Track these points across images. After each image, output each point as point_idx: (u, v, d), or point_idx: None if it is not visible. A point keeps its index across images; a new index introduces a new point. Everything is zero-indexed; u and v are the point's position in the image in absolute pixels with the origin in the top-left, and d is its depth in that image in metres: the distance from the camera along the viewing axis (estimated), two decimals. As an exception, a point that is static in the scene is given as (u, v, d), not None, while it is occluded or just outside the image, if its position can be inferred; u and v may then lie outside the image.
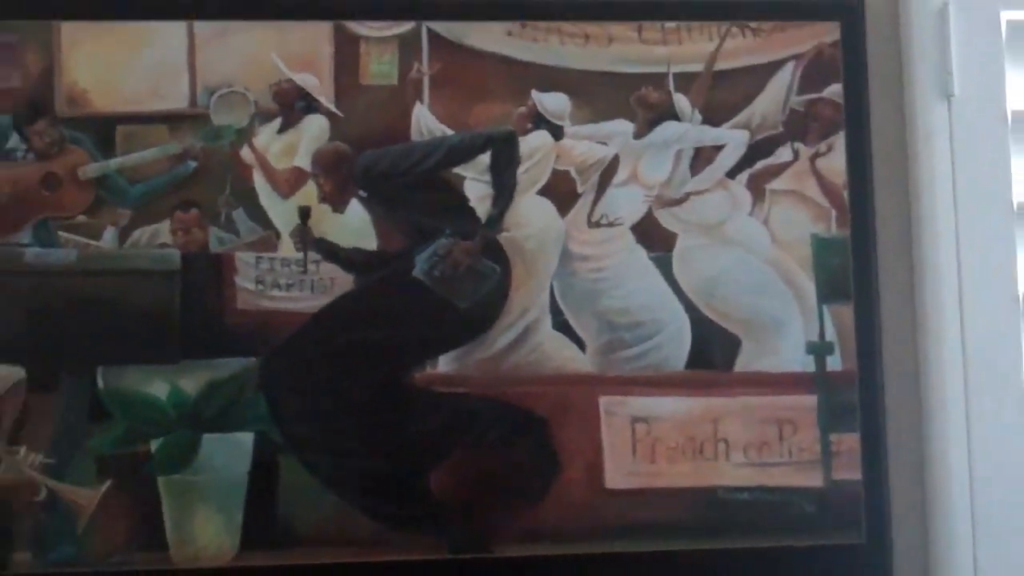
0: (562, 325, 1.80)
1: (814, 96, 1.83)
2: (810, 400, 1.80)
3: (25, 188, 1.75)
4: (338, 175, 1.78)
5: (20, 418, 1.72)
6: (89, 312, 1.73)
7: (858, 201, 1.82)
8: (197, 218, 1.77)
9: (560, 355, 1.79)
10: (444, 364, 1.78)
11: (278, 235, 1.78)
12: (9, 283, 1.72)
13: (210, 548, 1.73)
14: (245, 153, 1.79)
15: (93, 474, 1.72)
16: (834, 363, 1.81)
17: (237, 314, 1.76)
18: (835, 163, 1.83)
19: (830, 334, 1.81)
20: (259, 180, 1.79)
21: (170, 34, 1.77)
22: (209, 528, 1.73)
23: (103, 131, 1.77)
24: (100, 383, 1.73)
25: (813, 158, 1.83)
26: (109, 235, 1.76)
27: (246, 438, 1.74)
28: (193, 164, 1.77)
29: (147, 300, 1.74)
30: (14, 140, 1.75)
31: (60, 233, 1.75)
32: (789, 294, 1.82)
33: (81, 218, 1.76)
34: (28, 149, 1.75)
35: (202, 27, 1.77)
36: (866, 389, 1.80)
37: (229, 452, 1.74)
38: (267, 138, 1.79)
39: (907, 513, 1.79)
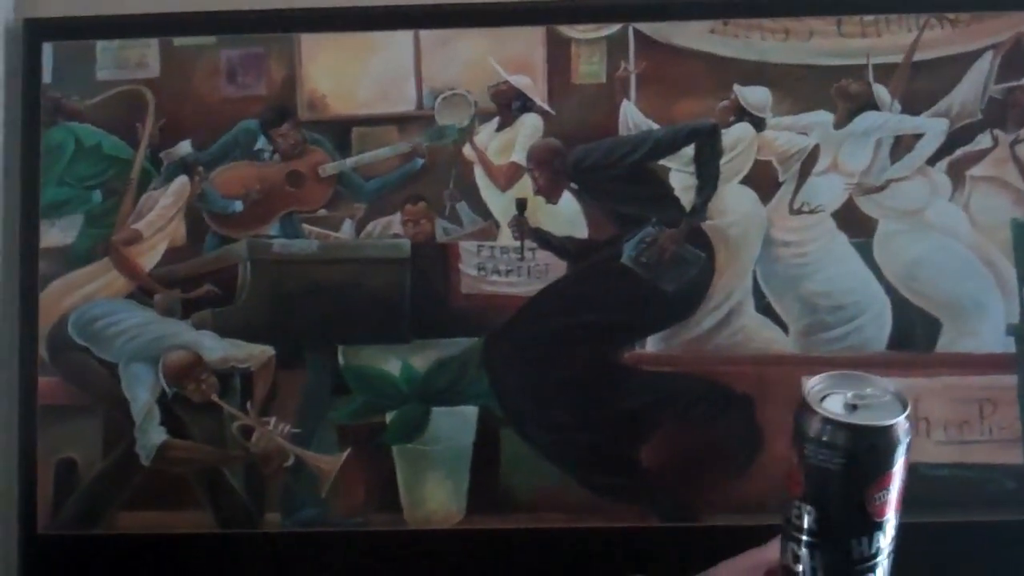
0: (765, 308, 1.94)
1: (1013, 84, 1.93)
2: (1010, 380, 1.89)
3: (272, 185, 2.03)
4: (551, 169, 1.96)
5: (270, 393, 1.98)
6: (330, 297, 1.97)
7: None
8: (425, 211, 1.98)
9: (763, 336, 1.93)
10: (652, 344, 1.94)
11: (497, 225, 1.97)
12: (260, 271, 1.99)
13: (439, 511, 1.94)
14: (467, 150, 1.99)
15: (335, 443, 1.96)
16: None
17: (461, 298, 1.96)
18: None
19: None
20: (480, 175, 1.99)
21: (398, 43, 2.00)
22: (438, 493, 1.94)
23: (340, 133, 2.01)
24: (341, 360, 1.96)
25: (1012, 144, 1.93)
26: (347, 227, 1.99)
27: (471, 411, 1.94)
28: (421, 161, 1.99)
29: (381, 285, 1.96)
30: (261, 142, 2.03)
31: (304, 226, 2.01)
32: (989, 277, 1.92)
33: (322, 212, 2.00)
34: (274, 151, 2.03)
35: (427, 36, 1.99)
36: None
37: (455, 424, 1.94)
38: (486, 136, 1.99)
39: None
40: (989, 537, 1.88)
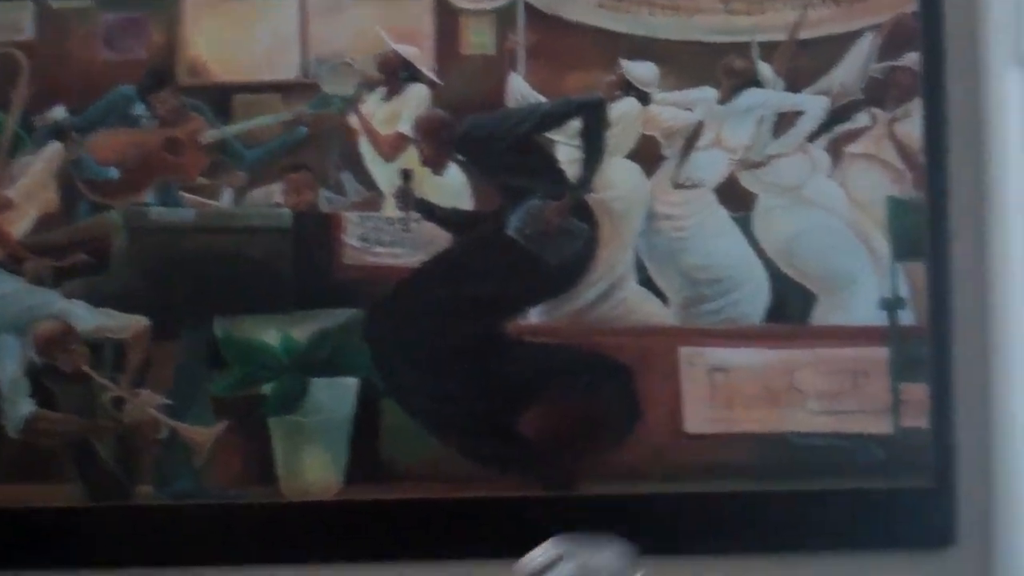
0: (646, 281, 2.00)
1: (892, 64, 2.00)
2: (882, 352, 1.97)
3: (149, 152, 2.00)
4: (438, 140, 1.99)
5: (144, 364, 1.98)
6: (208, 267, 1.98)
7: (933, 164, 1.98)
8: (307, 180, 2.00)
9: (644, 308, 1.99)
10: (535, 316, 2.00)
11: (382, 196, 2.00)
12: (135, 240, 1.97)
13: (317, 483, 1.97)
14: (352, 120, 2.02)
15: (211, 415, 1.97)
16: (906, 318, 1.98)
17: (344, 269, 1.99)
18: (911, 128, 1.99)
19: (903, 290, 1.98)
20: (365, 145, 2.02)
21: (284, 9, 2.00)
22: (316, 465, 1.97)
23: (221, 100, 2.01)
24: (218, 332, 1.98)
25: (890, 123, 2.00)
26: (227, 196, 2.01)
27: (351, 383, 1.97)
28: (304, 130, 2.00)
29: (261, 256, 1.98)
30: (139, 108, 2.00)
31: (181, 194, 2.01)
32: (864, 252, 2.00)
33: (201, 180, 2.01)
34: (152, 116, 2.00)
35: (314, 2, 2.00)
36: (935, 342, 1.96)
37: (335, 395, 1.97)
38: (372, 106, 2.01)
39: (972, 459, 1.95)
40: (859, 505, 1.96)
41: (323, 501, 1.97)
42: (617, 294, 2.00)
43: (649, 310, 2.00)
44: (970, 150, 2.00)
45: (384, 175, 2.01)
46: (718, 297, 2.00)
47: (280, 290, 1.98)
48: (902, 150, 2.01)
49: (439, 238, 2.00)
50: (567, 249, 1.99)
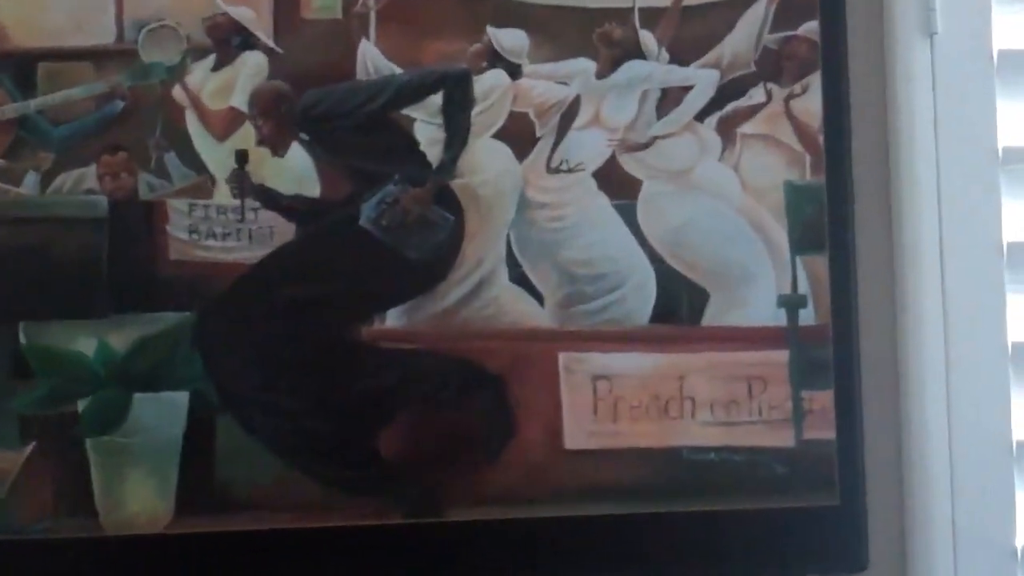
0: (519, 277, 1.88)
1: (789, 34, 1.90)
2: (781, 356, 1.87)
3: None
4: (277, 116, 1.85)
5: None
6: (9, 263, 1.80)
7: (834, 145, 1.89)
8: (125, 162, 1.83)
9: (516, 309, 1.87)
10: (393, 319, 1.86)
11: (213, 181, 1.85)
12: None
13: (143, 514, 1.80)
14: (177, 92, 1.85)
15: (16, 436, 1.79)
16: (807, 317, 1.88)
17: (169, 265, 1.83)
18: (810, 105, 1.89)
19: (803, 286, 1.89)
20: (192, 122, 1.85)
21: None
22: (141, 493, 1.80)
23: (23, 69, 1.82)
24: (22, 339, 1.80)
25: (787, 100, 1.90)
26: (30, 180, 1.82)
27: (180, 398, 1.82)
28: (121, 104, 1.83)
29: (72, 250, 1.81)
30: None
31: None
32: (760, 244, 1.90)
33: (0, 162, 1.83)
34: None
35: None
36: (840, 344, 1.87)
37: (162, 413, 1.82)
38: (201, 76, 1.85)
39: (883, 474, 1.88)
40: (759, 526, 1.86)
41: (150, 535, 1.80)
42: (486, 293, 1.87)
43: (523, 311, 1.88)
44: (875, 129, 1.91)
45: (215, 157, 1.85)
46: (600, 295, 1.88)
47: (94, 291, 1.81)
48: (800, 130, 1.90)
49: (281, 230, 1.85)
50: (428, 242, 1.87)
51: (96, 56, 1.83)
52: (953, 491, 1.87)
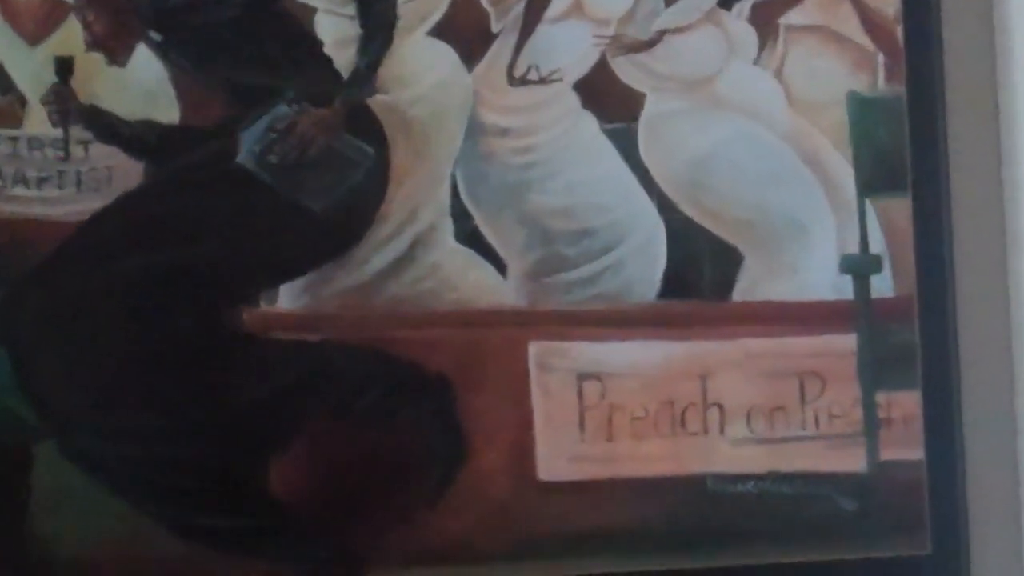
0: (471, 235, 1.63)
1: None
2: (846, 341, 1.61)
3: None
4: (115, 7, 1.58)
5: None
6: None
7: (918, 39, 1.62)
8: None
9: (467, 281, 1.62)
10: (289, 298, 1.59)
11: (23, 102, 1.58)
12: None
13: None
14: None
15: None
16: (883, 287, 1.62)
17: None
18: None
19: (876, 244, 1.62)
20: None
21: None
22: None
23: None
24: None
25: None
26: None
27: None
28: None
29: None
30: None
31: None
32: (815, 183, 1.64)
33: None
34: None
35: None
36: (931, 325, 1.61)
37: None
38: None
39: (992, 511, 1.61)
40: None
41: None
42: (423, 259, 1.60)
43: (477, 283, 1.60)
44: (977, 20, 1.60)
45: (26, 68, 1.57)
46: (587, 260, 1.61)
47: None
48: (870, 18, 1.62)
49: (123, 172, 1.56)
50: (338, 186, 1.58)
51: None
52: None
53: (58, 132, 1.57)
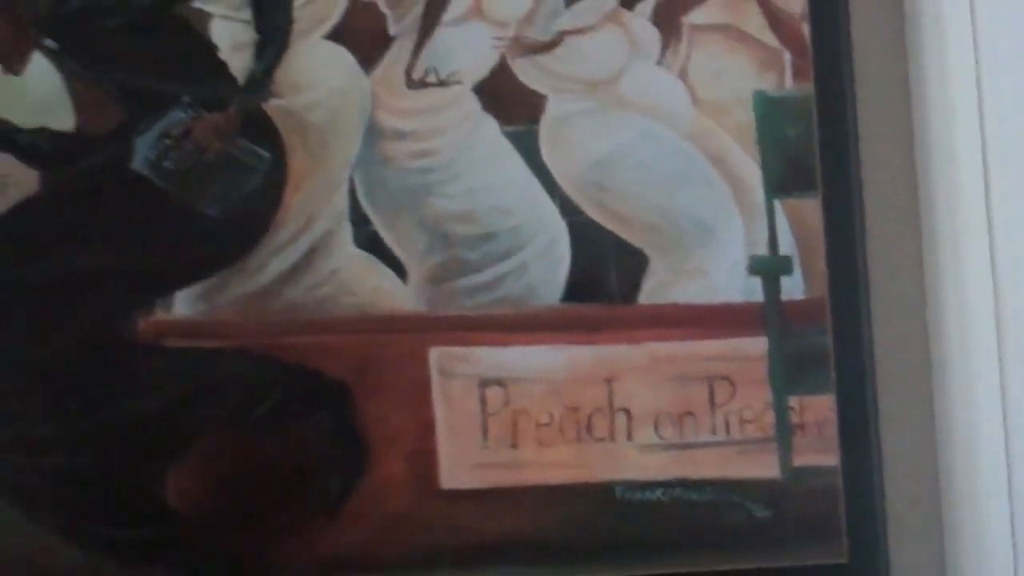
0: (370, 240, 1.64)
1: None
2: (757, 345, 1.62)
3: None
4: (11, 17, 1.61)
5: None
6: None
7: (825, 37, 1.62)
8: None
9: (366, 286, 1.64)
10: (184, 305, 1.62)
11: None
12: None
13: None
14: None
15: None
16: (793, 288, 1.63)
17: None
18: None
19: (786, 244, 1.63)
20: None
21: None
22: None
23: None
24: None
25: None
26: None
27: None
28: None
29: None
30: None
31: None
32: (721, 184, 1.65)
33: None
34: None
35: None
36: (844, 327, 1.61)
37: None
38: None
39: (911, 516, 1.60)
40: None
41: None
42: (321, 264, 1.62)
43: (376, 288, 1.62)
44: (885, 15, 1.61)
45: None
46: (489, 264, 1.63)
47: None
48: (775, 17, 1.63)
49: (18, 179, 1.59)
50: (234, 191, 1.61)
51: None
52: (1015, 538, 1.50)
53: (-51, 140, 1.63)
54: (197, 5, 1.65)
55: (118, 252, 1.63)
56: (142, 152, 1.63)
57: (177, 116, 1.63)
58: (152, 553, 1.60)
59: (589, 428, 1.61)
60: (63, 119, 1.64)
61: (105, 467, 1.60)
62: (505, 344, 1.62)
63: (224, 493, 1.59)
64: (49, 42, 1.64)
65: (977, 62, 1.56)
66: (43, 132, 1.63)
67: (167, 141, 1.63)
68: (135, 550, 1.59)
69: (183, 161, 1.63)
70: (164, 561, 1.60)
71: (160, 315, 1.63)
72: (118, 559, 1.59)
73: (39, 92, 1.64)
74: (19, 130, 1.62)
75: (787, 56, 1.66)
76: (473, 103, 1.66)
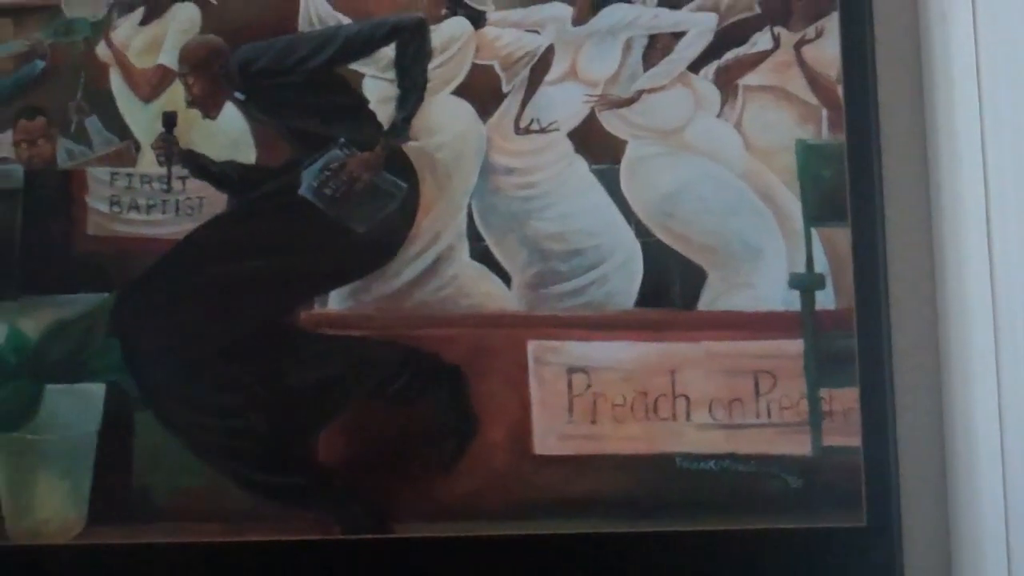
0: (482, 254, 1.84)
1: None
2: (794, 346, 1.79)
3: None
4: (210, 74, 1.86)
5: None
6: None
7: (856, 97, 1.81)
8: (44, 127, 1.86)
9: (479, 290, 1.83)
10: (336, 301, 1.83)
11: (138, 147, 1.86)
12: None
13: (53, 521, 1.80)
14: (101, 50, 1.88)
15: None
16: (825, 300, 1.80)
17: (88, 241, 1.84)
18: (826, 51, 1.84)
19: (820, 264, 1.81)
20: (117, 81, 1.89)
21: None
22: (52, 497, 1.80)
23: None
24: None
25: (798, 46, 1.84)
26: None
27: (96, 390, 1.80)
28: (41, 64, 1.86)
29: None
30: None
31: None
32: (768, 214, 1.83)
33: None
34: None
35: None
36: (867, 331, 1.78)
37: (76, 407, 1.80)
38: (127, 32, 1.88)
39: (921, 488, 1.76)
40: (767, 550, 1.75)
41: (60, 545, 1.79)
42: (444, 272, 1.84)
43: (487, 292, 1.84)
44: (906, 78, 1.81)
45: (141, 120, 1.87)
46: (577, 275, 1.83)
47: (6, 270, 1.81)
48: (814, 80, 1.85)
49: (212, 201, 1.84)
50: (378, 213, 1.84)
51: (16, 12, 1.85)
52: (1007, 510, 1.70)
53: (163, 170, 1.85)
54: (353, 67, 1.86)
55: (285, 260, 1.83)
56: (307, 181, 1.83)
57: (335, 154, 1.83)
58: (303, 497, 1.79)
59: (655, 409, 1.78)
60: (247, 154, 1.87)
61: (270, 429, 1.79)
62: (589, 339, 1.80)
63: (363, 451, 1.79)
64: (238, 94, 1.86)
65: (981, 119, 1.76)
66: (231, 164, 1.86)
67: (327, 173, 1.83)
68: (290, 494, 1.79)
69: (339, 189, 1.83)
70: (312, 504, 1.79)
71: (317, 309, 1.84)
72: (280, 501, 1.78)
73: (229, 133, 1.87)
74: (213, 162, 1.86)
75: (824, 112, 1.84)
76: (567, 146, 1.86)
